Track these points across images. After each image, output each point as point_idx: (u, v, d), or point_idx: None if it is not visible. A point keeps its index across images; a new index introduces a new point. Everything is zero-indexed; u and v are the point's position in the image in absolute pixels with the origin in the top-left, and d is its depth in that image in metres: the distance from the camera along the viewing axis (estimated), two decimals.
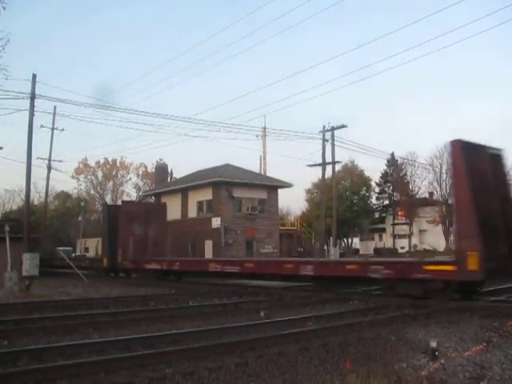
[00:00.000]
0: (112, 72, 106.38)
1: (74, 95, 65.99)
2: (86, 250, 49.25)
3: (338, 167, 42.25)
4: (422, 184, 62.21)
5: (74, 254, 41.81)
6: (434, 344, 6.87)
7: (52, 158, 35.62)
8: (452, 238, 38.50)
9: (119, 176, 62.16)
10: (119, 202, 58.87)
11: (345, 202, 53.62)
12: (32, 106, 23.94)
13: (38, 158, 33.64)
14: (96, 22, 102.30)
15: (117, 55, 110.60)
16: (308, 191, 63.07)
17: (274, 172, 63.65)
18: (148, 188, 56.65)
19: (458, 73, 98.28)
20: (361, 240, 69.21)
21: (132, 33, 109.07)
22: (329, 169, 37.03)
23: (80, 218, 57.01)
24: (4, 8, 17.05)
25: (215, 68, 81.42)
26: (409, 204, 59.91)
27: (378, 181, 66.00)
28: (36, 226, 36.11)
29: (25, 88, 24.09)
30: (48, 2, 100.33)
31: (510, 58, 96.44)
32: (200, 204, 37.07)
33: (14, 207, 57.20)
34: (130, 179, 62.18)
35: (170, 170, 50.67)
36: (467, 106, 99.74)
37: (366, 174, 62.88)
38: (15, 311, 12.28)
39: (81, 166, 59.37)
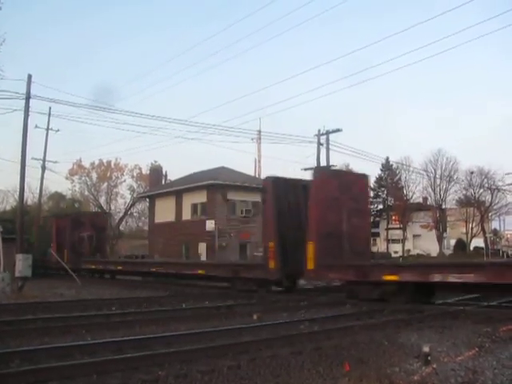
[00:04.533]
0: (108, 74, 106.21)
1: (70, 96, 65.94)
2: None
3: None
4: (416, 189, 62.12)
5: None
6: (426, 349, 6.89)
7: (47, 159, 35.53)
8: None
9: (113, 178, 61.72)
10: (113, 204, 58.93)
11: None
12: (27, 106, 23.88)
13: (32, 159, 33.50)
14: (92, 23, 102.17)
15: (114, 57, 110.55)
16: None
17: (268, 175, 63.39)
18: (142, 190, 56.43)
19: (452, 78, 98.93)
20: None
21: (129, 35, 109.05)
22: None
23: None
24: (0, 8, 17.06)
25: (211, 70, 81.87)
26: (403, 209, 59.99)
27: (372, 185, 66.07)
28: (29, 227, 35.92)
29: (20, 88, 24.01)
30: (45, 2, 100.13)
31: (509, 62, 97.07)
32: (194, 206, 37.08)
33: (8, 207, 56.70)
34: (125, 181, 61.62)
35: (164, 172, 50.54)
36: (462, 112, 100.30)
37: None
38: (8, 312, 12.20)
39: (75, 167, 58.88)
